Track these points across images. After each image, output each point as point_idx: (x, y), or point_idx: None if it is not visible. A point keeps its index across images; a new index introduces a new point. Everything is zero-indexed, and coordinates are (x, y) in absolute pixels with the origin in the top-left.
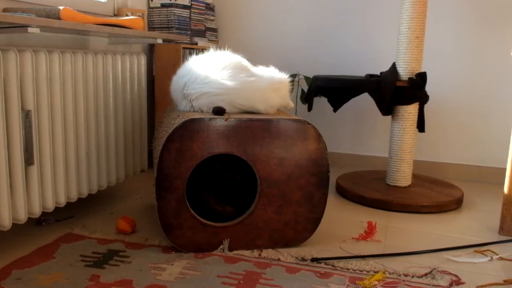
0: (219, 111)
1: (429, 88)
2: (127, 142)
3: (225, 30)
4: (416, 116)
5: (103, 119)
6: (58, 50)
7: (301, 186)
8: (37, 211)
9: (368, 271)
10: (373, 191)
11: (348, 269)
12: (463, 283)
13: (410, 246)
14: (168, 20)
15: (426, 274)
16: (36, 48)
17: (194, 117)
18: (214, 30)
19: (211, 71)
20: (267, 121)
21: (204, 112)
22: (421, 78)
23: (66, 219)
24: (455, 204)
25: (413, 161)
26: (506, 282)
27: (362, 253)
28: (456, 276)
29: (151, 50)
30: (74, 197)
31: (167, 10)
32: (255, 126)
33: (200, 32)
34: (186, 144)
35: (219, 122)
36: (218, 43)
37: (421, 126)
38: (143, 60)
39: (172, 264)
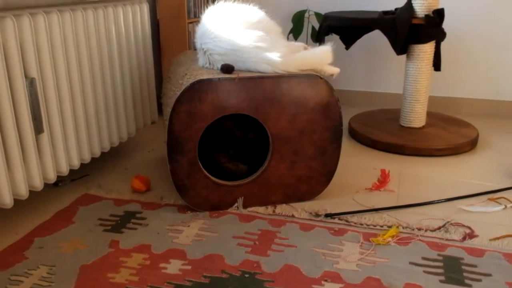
0: (227, 68)
1: (445, 21)
2: (135, 95)
3: None
4: (432, 55)
5: (109, 75)
6: (56, 10)
7: (313, 141)
8: (52, 177)
9: (381, 226)
10: (386, 134)
11: (361, 224)
12: (476, 236)
13: (423, 195)
14: None
15: (439, 228)
16: (33, 11)
17: (201, 77)
18: None
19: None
20: (278, 78)
21: (216, 69)
22: (439, 15)
23: (82, 177)
24: (469, 146)
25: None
26: None
27: (376, 206)
28: (469, 228)
29: None
30: (87, 158)
31: None
32: (265, 84)
33: None
34: (196, 106)
35: (228, 82)
36: None
37: (437, 64)
38: (145, 8)
39: (189, 226)
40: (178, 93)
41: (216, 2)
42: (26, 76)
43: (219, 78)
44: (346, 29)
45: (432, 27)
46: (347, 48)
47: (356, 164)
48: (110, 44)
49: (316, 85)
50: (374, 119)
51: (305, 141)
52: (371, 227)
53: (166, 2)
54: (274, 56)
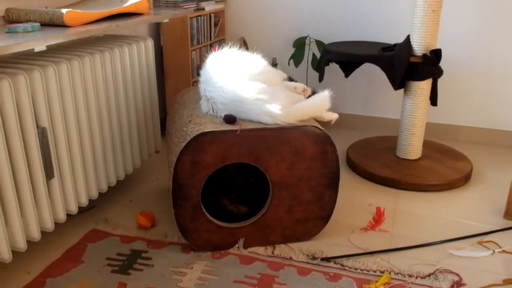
0: (230, 119)
1: (444, 51)
2: (140, 127)
3: None
4: (429, 91)
5: (115, 112)
6: (65, 61)
7: (311, 186)
8: (62, 217)
9: (375, 271)
10: (383, 167)
11: (356, 269)
12: (463, 284)
13: (416, 236)
14: None
15: (429, 275)
16: (44, 63)
17: (205, 130)
18: None
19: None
20: (278, 130)
21: (219, 117)
22: (436, 55)
23: (89, 210)
24: (463, 181)
25: (426, 123)
26: (505, 282)
27: (370, 247)
28: (458, 275)
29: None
30: (94, 194)
31: None
32: (266, 135)
33: None
34: (199, 156)
35: (230, 134)
36: (225, 3)
37: (433, 100)
38: (150, 44)
39: (192, 268)
40: (183, 145)
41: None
42: (37, 126)
43: (221, 131)
44: (346, 61)
45: (429, 66)
46: (346, 76)
47: (353, 198)
48: (117, 83)
49: (314, 136)
50: (372, 148)
51: (303, 187)
52: (365, 272)
53: (170, 29)
54: (275, 108)
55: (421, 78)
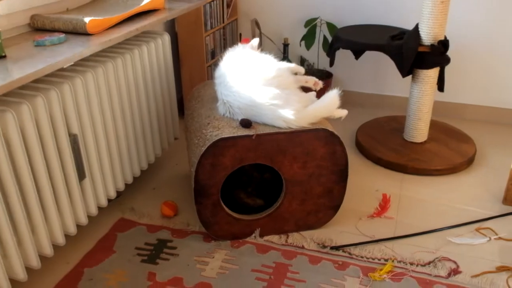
0: (246, 124)
1: (451, 33)
2: (160, 118)
3: None
4: (436, 78)
5: (136, 108)
6: (91, 70)
7: (322, 182)
8: (94, 211)
9: (379, 259)
10: (390, 150)
11: (362, 257)
12: (460, 272)
13: (418, 223)
14: None
15: (429, 263)
16: (72, 74)
17: (223, 135)
18: None
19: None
20: (291, 133)
21: (236, 119)
22: (444, 45)
23: (116, 198)
24: (466, 164)
25: (434, 101)
26: (499, 269)
27: (375, 235)
28: (455, 263)
29: None
30: (121, 187)
31: None
32: (280, 138)
33: None
34: (218, 159)
35: (247, 138)
36: None
37: (441, 86)
38: (166, 38)
39: (213, 257)
40: (203, 149)
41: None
42: (69, 134)
43: (238, 136)
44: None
45: (437, 56)
46: (356, 58)
47: (361, 183)
48: (137, 82)
49: (325, 138)
50: (380, 130)
51: (314, 183)
52: (370, 260)
53: (184, 17)
54: (288, 113)
55: (429, 67)
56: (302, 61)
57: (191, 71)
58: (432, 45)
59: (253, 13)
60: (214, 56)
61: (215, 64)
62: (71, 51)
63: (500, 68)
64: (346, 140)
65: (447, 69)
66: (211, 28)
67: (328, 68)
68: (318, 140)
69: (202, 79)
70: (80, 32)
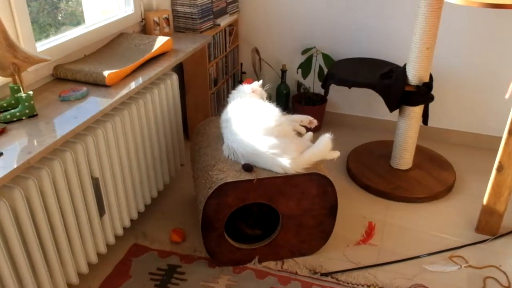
0: (248, 168)
1: (438, 63)
2: (168, 150)
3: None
4: (421, 114)
5: (148, 144)
6: (110, 120)
7: (314, 216)
8: (111, 241)
9: (363, 285)
10: (377, 177)
11: (348, 283)
12: None
13: (400, 249)
14: (192, 12)
15: None
16: (94, 125)
17: (228, 179)
18: (235, 0)
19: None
20: (288, 177)
21: (239, 162)
22: (428, 87)
23: None
24: (445, 192)
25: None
26: None
27: (361, 261)
28: None
29: None
30: (134, 216)
31: (190, 2)
32: (277, 182)
33: (222, 10)
34: (223, 200)
35: (248, 182)
36: (239, 13)
37: (425, 120)
38: (175, 78)
39: (217, 282)
40: (210, 191)
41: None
42: (92, 177)
43: (241, 181)
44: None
45: (421, 96)
46: (349, 88)
47: (349, 210)
48: (149, 121)
49: (317, 180)
50: (370, 156)
51: (307, 217)
52: (355, 286)
53: None
54: (285, 162)
55: (414, 104)
56: (298, 86)
57: (196, 98)
58: (417, 86)
59: (253, 40)
60: (217, 84)
61: (218, 92)
62: (95, 108)
63: (482, 97)
64: (338, 165)
65: (437, 96)
66: (214, 58)
67: (323, 92)
68: (312, 182)
69: (206, 105)
70: (99, 83)
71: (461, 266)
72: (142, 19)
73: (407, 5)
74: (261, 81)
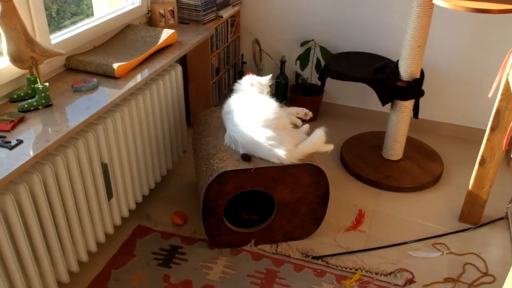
0: (246, 158)
1: (430, 57)
2: (172, 138)
3: None
4: (411, 108)
5: (153, 132)
6: (118, 111)
7: (307, 203)
8: (118, 222)
9: (351, 269)
10: (369, 168)
11: (337, 266)
12: (414, 282)
13: (387, 236)
14: (196, 4)
15: (390, 273)
16: (105, 115)
17: (227, 168)
18: None
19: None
20: (283, 167)
21: (238, 152)
22: (418, 83)
23: None
24: (433, 183)
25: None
26: (445, 280)
27: (350, 246)
28: (411, 273)
29: None
30: (139, 199)
31: None
32: (273, 171)
33: (225, 2)
34: (222, 187)
35: (246, 171)
36: (241, 4)
37: (415, 114)
38: (179, 69)
39: (216, 263)
40: (211, 178)
41: (233, 29)
42: (101, 163)
43: (240, 169)
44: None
45: (412, 91)
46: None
47: (341, 198)
48: (154, 111)
49: (310, 170)
50: (362, 147)
51: (301, 204)
52: (343, 269)
53: None
54: (281, 153)
55: (405, 99)
56: (297, 76)
57: (198, 87)
58: (408, 82)
59: (254, 31)
60: (218, 73)
61: (219, 81)
62: (105, 99)
63: (470, 92)
64: (333, 154)
65: (426, 90)
66: (216, 48)
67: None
68: (305, 172)
69: (207, 93)
70: (109, 75)
71: (443, 253)
72: (149, 11)
73: (404, 0)
74: (270, 76)
